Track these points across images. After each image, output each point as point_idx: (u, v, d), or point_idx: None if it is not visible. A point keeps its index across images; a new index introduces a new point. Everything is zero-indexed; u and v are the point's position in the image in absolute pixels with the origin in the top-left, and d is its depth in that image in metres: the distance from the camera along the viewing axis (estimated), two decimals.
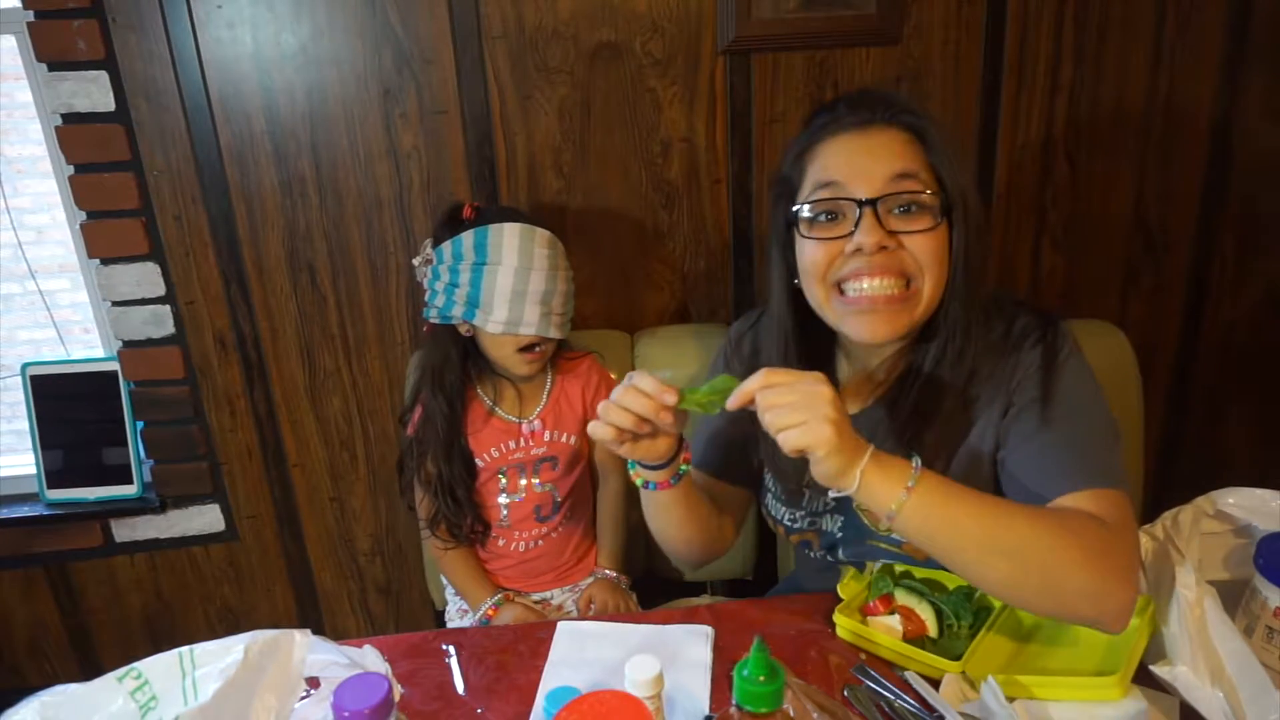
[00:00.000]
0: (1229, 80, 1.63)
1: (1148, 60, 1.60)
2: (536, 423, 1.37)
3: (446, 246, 1.29)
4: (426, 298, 1.33)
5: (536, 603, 1.42)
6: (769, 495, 1.13)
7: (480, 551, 1.43)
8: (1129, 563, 0.82)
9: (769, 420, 0.81)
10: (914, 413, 0.98)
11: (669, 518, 1.04)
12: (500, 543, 1.41)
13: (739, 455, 1.13)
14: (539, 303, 1.26)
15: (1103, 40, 1.58)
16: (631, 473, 0.99)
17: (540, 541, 1.41)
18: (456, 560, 1.41)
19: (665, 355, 1.52)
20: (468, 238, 1.27)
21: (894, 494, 0.81)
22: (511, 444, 1.36)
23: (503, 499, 1.38)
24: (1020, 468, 0.92)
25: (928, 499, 0.81)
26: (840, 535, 1.07)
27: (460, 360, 1.34)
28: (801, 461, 0.84)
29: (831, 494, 0.84)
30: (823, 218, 0.95)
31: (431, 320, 1.33)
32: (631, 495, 1.47)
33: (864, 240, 0.90)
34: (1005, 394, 0.95)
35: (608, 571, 1.43)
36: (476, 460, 1.36)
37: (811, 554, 1.12)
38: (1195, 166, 1.68)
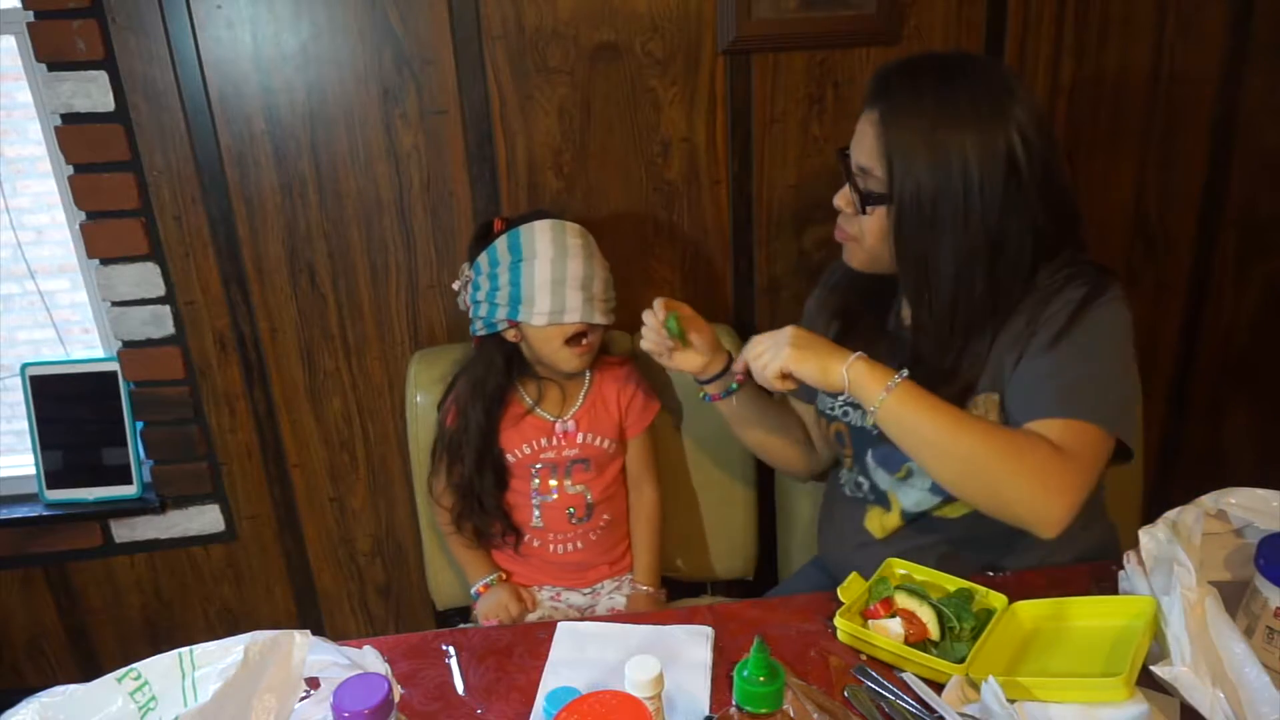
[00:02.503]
0: (1230, 80, 1.63)
1: (1148, 60, 1.60)
2: (570, 423, 1.37)
3: (482, 258, 1.31)
4: (470, 313, 1.35)
5: (587, 593, 1.44)
6: (820, 391, 1.22)
7: (514, 556, 1.43)
8: (1069, 482, 0.95)
9: (755, 370, 1.08)
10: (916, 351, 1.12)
11: (736, 427, 1.32)
12: (535, 544, 1.42)
13: None
14: (579, 288, 1.27)
15: (1103, 40, 1.58)
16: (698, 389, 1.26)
17: (579, 544, 1.41)
18: (458, 538, 1.43)
19: None
20: (501, 242, 1.29)
21: (876, 393, 0.99)
22: (543, 441, 1.37)
23: (535, 499, 1.39)
24: (1016, 383, 1.03)
25: (901, 402, 0.99)
26: (876, 431, 1.13)
27: (504, 366, 1.35)
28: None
29: (840, 399, 1.14)
30: (844, 169, 1.12)
31: (478, 333, 1.35)
32: (667, 505, 1.49)
33: (835, 200, 1.13)
34: (1037, 320, 1.03)
35: (644, 587, 1.44)
36: (508, 456, 1.37)
37: (843, 483, 1.24)
38: (1195, 166, 1.68)
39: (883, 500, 1.17)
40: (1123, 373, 1.03)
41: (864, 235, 1.09)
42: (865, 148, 1.05)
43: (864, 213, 1.07)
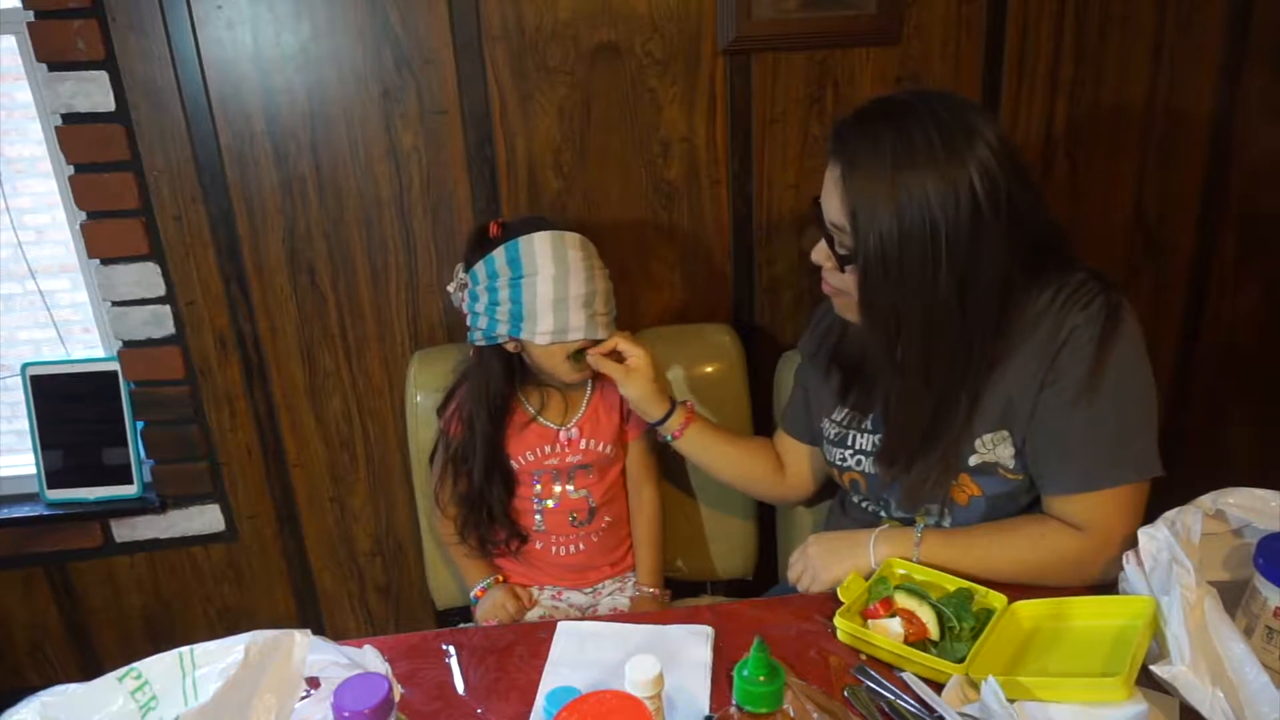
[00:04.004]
0: (1229, 80, 1.63)
1: (1148, 60, 1.60)
2: (574, 430, 1.37)
3: (480, 267, 1.28)
4: (468, 321, 1.33)
5: (588, 593, 1.44)
6: (825, 443, 1.24)
7: (515, 559, 1.44)
8: (1103, 556, 1.00)
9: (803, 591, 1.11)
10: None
11: (695, 462, 1.38)
12: (537, 546, 1.42)
13: (806, 416, 1.31)
14: (582, 306, 1.25)
15: (1103, 40, 1.58)
16: None
17: (581, 546, 1.41)
18: (460, 546, 1.43)
19: (665, 355, 1.51)
20: (500, 254, 1.26)
21: (910, 554, 1.06)
22: (547, 448, 1.37)
23: (537, 505, 1.39)
24: (1044, 442, 1.02)
25: (934, 553, 1.05)
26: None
27: (505, 375, 1.34)
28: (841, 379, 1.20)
29: (850, 449, 1.18)
30: (817, 221, 1.09)
31: (477, 343, 1.33)
32: (668, 506, 1.49)
33: (813, 255, 1.10)
34: (1050, 359, 1.00)
35: (648, 589, 1.44)
36: (512, 463, 1.37)
37: (861, 501, 1.23)
38: (1195, 166, 1.68)
39: (905, 522, 1.17)
40: (1150, 407, 1.01)
41: (851, 290, 1.05)
42: (833, 205, 1.02)
43: (843, 271, 1.04)
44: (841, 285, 1.07)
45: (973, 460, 1.06)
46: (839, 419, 1.21)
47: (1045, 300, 1.01)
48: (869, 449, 1.17)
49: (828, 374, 1.23)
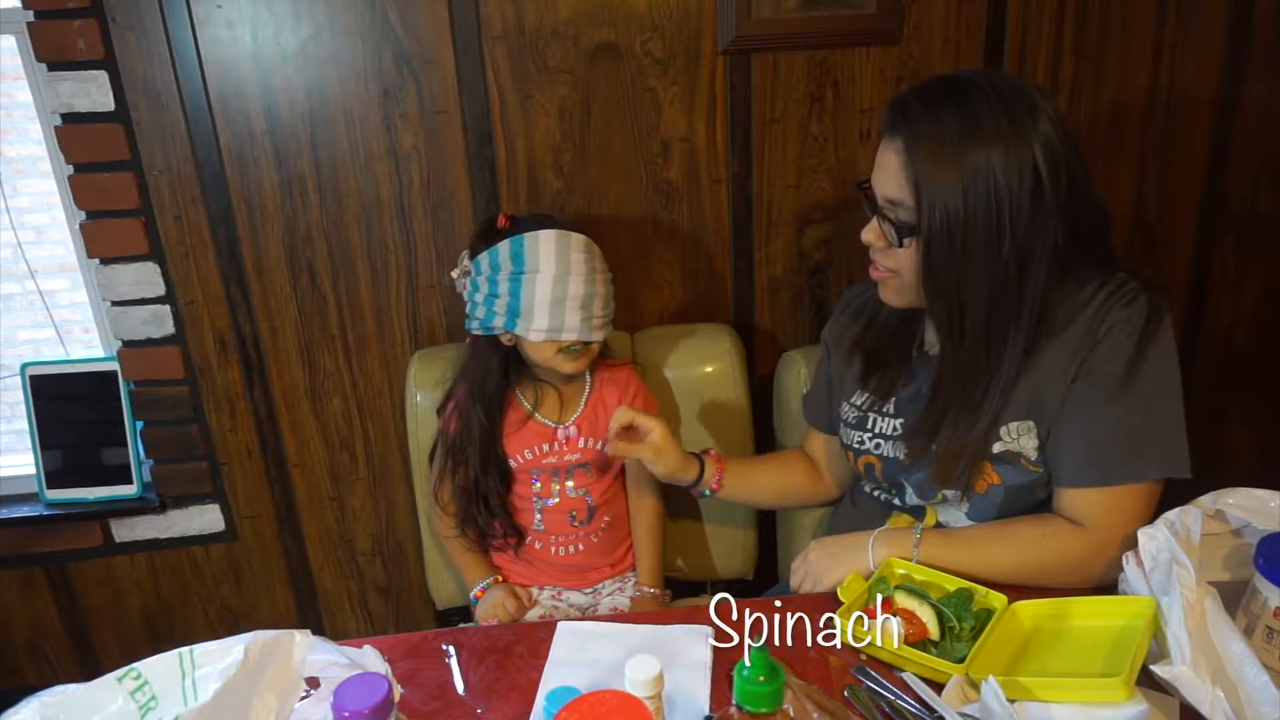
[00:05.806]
0: (1230, 80, 1.63)
1: (1148, 60, 1.60)
2: (572, 429, 1.37)
3: (484, 258, 1.28)
4: (467, 309, 1.33)
5: (588, 593, 1.44)
6: (842, 425, 1.24)
7: (516, 558, 1.44)
8: (1101, 558, 1.01)
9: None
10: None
11: (739, 502, 1.42)
12: (537, 546, 1.42)
13: (829, 405, 1.31)
14: (579, 308, 1.25)
15: (1103, 40, 1.58)
16: None
17: (581, 546, 1.41)
18: (459, 541, 1.43)
19: (665, 355, 1.52)
20: (504, 248, 1.26)
21: (909, 555, 1.06)
22: (545, 446, 1.37)
23: (537, 503, 1.39)
24: (1069, 434, 1.02)
25: (933, 555, 1.05)
26: (909, 460, 1.14)
27: (501, 369, 1.35)
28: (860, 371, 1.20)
29: (868, 432, 1.18)
30: (866, 203, 1.09)
31: (473, 331, 1.33)
32: (668, 506, 1.49)
33: (864, 235, 1.09)
34: (1086, 354, 1.00)
35: (649, 589, 1.44)
36: (510, 461, 1.37)
37: (873, 489, 1.22)
38: (1195, 166, 1.68)
39: (917, 512, 1.17)
40: (1178, 410, 1.02)
41: (903, 269, 1.05)
42: (891, 179, 1.02)
43: (900, 245, 1.03)
44: (894, 265, 1.06)
45: (996, 448, 1.05)
46: (859, 402, 1.21)
47: (1087, 294, 1.02)
48: (889, 432, 1.16)
49: (850, 359, 1.23)
